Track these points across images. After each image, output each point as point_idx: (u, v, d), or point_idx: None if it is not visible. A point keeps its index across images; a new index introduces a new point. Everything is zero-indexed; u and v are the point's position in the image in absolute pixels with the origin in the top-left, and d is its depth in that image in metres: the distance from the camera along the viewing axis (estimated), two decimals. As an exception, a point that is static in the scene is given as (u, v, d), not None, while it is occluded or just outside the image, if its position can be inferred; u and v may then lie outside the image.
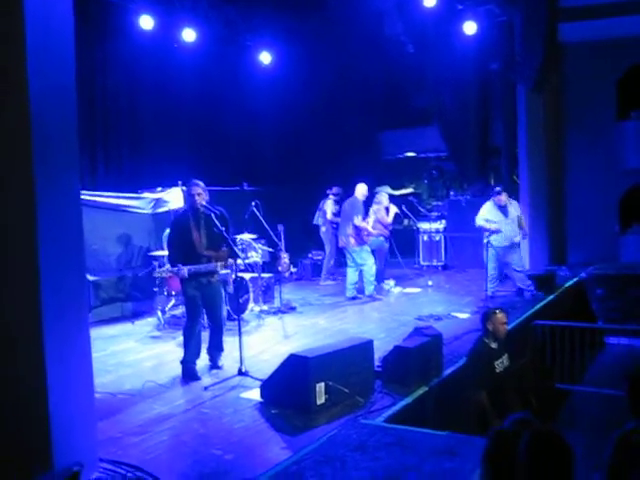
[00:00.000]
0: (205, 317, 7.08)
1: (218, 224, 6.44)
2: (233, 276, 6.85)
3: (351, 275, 10.37)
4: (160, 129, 11.64)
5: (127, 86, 11.24)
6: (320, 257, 12.49)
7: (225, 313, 7.32)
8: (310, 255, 12.76)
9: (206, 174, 11.97)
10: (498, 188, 10.04)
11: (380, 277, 10.89)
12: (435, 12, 11.18)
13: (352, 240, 10.29)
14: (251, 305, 9.17)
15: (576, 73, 11.93)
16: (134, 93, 11.37)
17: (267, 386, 5.76)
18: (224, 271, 6.67)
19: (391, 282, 11.05)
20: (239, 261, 6.67)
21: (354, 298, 10.24)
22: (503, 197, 9.79)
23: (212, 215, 6.46)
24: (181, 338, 6.73)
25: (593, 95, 11.85)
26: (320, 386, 5.45)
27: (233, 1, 11.52)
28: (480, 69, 12.55)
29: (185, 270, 6.18)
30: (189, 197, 6.57)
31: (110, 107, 11.17)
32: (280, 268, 11.76)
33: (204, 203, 6.51)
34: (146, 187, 10.61)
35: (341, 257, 12.33)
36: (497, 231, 9.63)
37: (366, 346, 6.05)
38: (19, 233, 3.93)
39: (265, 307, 9.46)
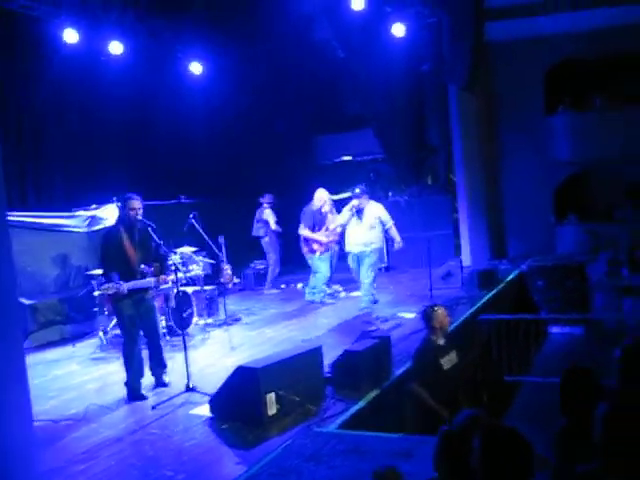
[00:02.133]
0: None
1: (156, 238, 6.30)
2: (174, 290, 6.69)
3: (310, 280, 10.43)
4: (91, 145, 11.35)
5: (55, 102, 10.92)
6: (263, 266, 12.37)
7: (162, 329, 7.14)
8: (252, 265, 12.62)
9: (141, 188, 11.66)
10: (358, 190, 9.37)
11: (327, 283, 10.86)
12: (364, 15, 11.21)
13: (305, 248, 10.32)
14: (195, 319, 8.99)
15: (505, 71, 12.16)
16: (63, 109, 11.06)
17: (216, 400, 5.64)
18: (164, 286, 6.51)
19: (338, 287, 11.03)
20: (179, 275, 6.52)
21: (311, 302, 10.25)
22: (357, 201, 9.35)
23: (149, 229, 6.32)
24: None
25: (522, 91, 12.10)
26: (270, 396, 5.36)
27: (159, 12, 11.32)
28: (411, 71, 12.66)
29: (125, 286, 6.00)
30: (124, 211, 6.37)
31: (39, 125, 10.84)
32: (223, 279, 11.62)
33: (140, 217, 6.35)
34: (80, 205, 10.32)
35: (283, 266, 12.28)
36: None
37: (314, 352, 5.99)
38: None
39: (210, 320, 9.29)
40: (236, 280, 12.19)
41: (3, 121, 10.24)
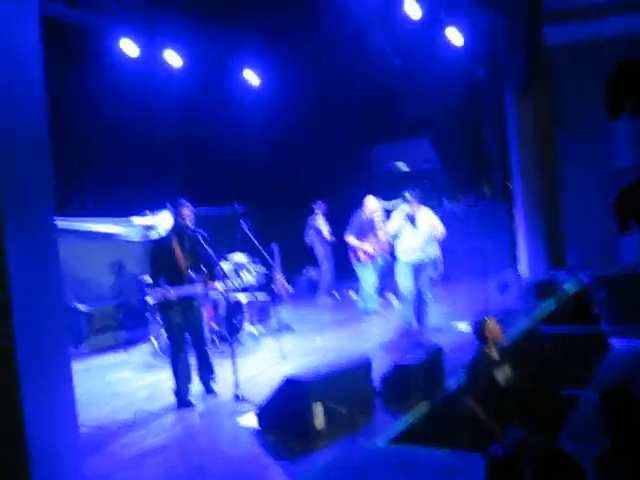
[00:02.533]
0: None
1: (205, 245, 6.31)
2: (223, 298, 6.68)
3: (360, 289, 10.29)
4: (148, 153, 11.51)
5: (112, 111, 11.06)
6: (316, 275, 12.31)
7: (209, 335, 7.14)
8: (306, 273, 12.57)
9: (196, 196, 11.84)
10: (408, 194, 8.82)
11: (381, 292, 10.72)
12: (419, 22, 11.06)
13: (352, 256, 10.22)
14: (246, 326, 8.99)
15: (564, 75, 11.78)
16: (119, 118, 11.21)
17: (264, 411, 5.58)
18: (212, 292, 6.51)
19: (391, 295, 10.87)
20: (224, 284, 6.51)
21: (364, 311, 10.11)
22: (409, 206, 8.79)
23: (199, 237, 6.33)
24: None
25: (583, 96, 11.67)
26: (318, 409, 5.28)
27: (216, 21, 11.41)
28: (467, 77, 12.44)
29: (173, 292, 6.01)
30: (175, 217, 6.40)
31: (96, 134, 11.03)
32: (276, 288, 11.63)
33: (190, 224, 6.37)
34: (135, 212, 10.46)
35: (337, 274, 12.18)
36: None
37: (364, 365, 5.88)
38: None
39: (261, 328, 9.26)
40: (289, 288, 12.18)
41: (61, 130, 10.45)
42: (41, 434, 3.74)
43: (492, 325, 5.77)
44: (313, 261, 12.24)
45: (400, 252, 8.94)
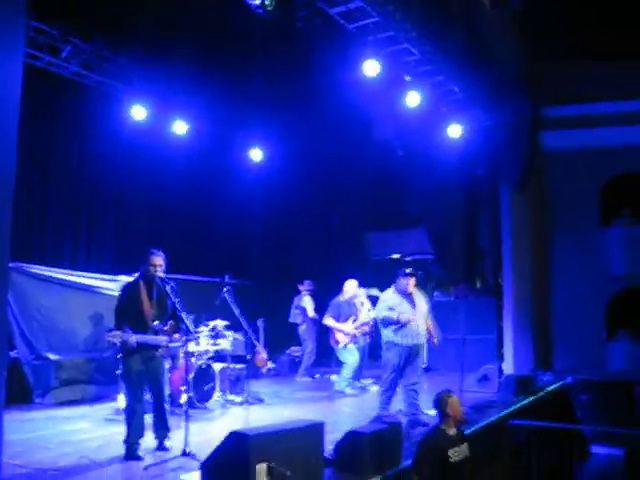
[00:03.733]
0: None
1: (172, 296, 6.30)
2: (181, 351, 6.62)
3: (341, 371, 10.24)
4: (146, 217, 11.72)
5: (115, 173, 11.39)
6: (299, 354, 12.20)
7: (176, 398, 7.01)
8: (288, 351, 12.46)
9: (189, 264, 12.04)
10: (409, 270, 7.98)
11: (357, 375, 10.59)
12: (421, 115, 11.39)
13: (331, 339, 10.24)
14: (217, 394, 8.85)
15: (560, 178, 12.04)
16: (122, 180, 11.51)
17: (207, 466, 5.39)
18: (175, 344, 6.43)
19: (368, 381, 10.72)
20: (188, 339, 6.45)
21: (340, 392, 10.03)
22: (411, 282, 7.88)
23: (167, 287, 6.33)
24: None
25: (578, 200, 11.91)
26: (261, 467, 5.09)
27: (226, 98, 11.82)
28: (466, 172, 12.70)
29: (134, 338, 5.96)
30: (145, 266, 6.42)
31: (97, 193, 11.29)
32: (257, 363, 11.49)
33: (161, 274, 6.39)
34: (126, 272, 10.52)
35: (322, 356, 12.06)
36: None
37: (315, 428, 5.70)
38: None
39: (232, 397, 9.10)
40: (271, 365, 12.03)
41: (63, 186, 10.75)
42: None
43: (453, 402, 5.65)
44: (297, 340, 12.14)
45: (398, 334, 7.75)
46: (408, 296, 7.83)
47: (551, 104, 11.84)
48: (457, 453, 5.46)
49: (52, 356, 8.84)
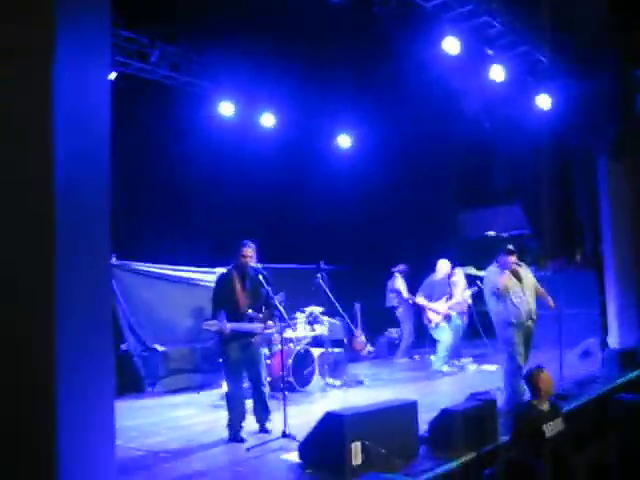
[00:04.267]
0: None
1: (266, 285, 6.52)
2: (277, 337, 6.83)
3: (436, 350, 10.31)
4: (240, 210, 11.99)
5: (208, 171, 11.73)
6: (397, 335, 12.28)
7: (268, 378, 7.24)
8: (386, 333, 12.56)
9: (284, 253, 12.33)
10: (510, 246, 7.86)
11: (455, 354, 10.58)
12: (508, 87, 11.13)
13: (425, 317, 10.29)
14: (316, 377, 9.07)
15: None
16: (214, 176, 11.85)
17: (305, 446, 5.62)
18: (269, 330, 6.67)
19: (467, 360, 10.69)
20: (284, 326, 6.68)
21: (438, 371, 10.11)
22: (513, 259, 7.72)
23: (259, 276, 6.56)
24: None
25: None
26: (356, 446, 5.25)
27: (311, 87, 11.96)
28: (558, 143, 12.29)
29: (229, 326, 6.23)
30: (237, 257, 6.68)
31: (191, 190, 11.70)
32: (356, 346, 11.70)
33: (252, 264, 6.63)
34: (221, 264, 10.90)
35: (419, 337, 12.08)
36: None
37: (409, 407, 5.82)
38: (35, 304, 3.72)
39: (332, 380, 9.31)
40: (370, 348, 12.20)
41: (159, 186, 11.23)
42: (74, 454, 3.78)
43: (545, 377, 5.60)
44: (395, 322, 12.22)
45: (510, 313, 7.58)
46: (512, 272, 7.72)
47: (645, 66, 11.29)
48: (551, 428, 5.42)
49: (159, 347, 9.33)
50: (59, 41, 3.91)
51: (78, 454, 3.73)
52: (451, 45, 9.10)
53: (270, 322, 6.63)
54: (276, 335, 7.37)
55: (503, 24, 9.39)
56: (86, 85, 4.19)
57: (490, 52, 9.87)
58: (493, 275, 7.77)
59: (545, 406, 5.55)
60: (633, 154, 11.31)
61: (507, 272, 7.70)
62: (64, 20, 3.97)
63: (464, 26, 9.26)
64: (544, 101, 11.19)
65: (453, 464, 5.37)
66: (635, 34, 11.32)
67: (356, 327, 11.72)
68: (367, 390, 9.04)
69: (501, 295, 7.57)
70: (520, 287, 7.68)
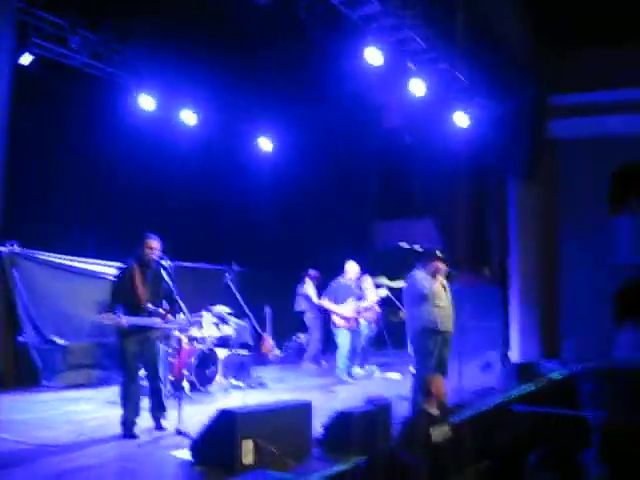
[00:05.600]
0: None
1: (167, 279, 6.43)
2: (177, 333, 6.75)
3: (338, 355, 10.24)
4: (155, 206, 11.78)
5: (124, 162, 11.50)
6: (305, 340, 12.32)
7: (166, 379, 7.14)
8: (295, 338, 12.59)
9: (198, 252, 12.21)
10: (439, 252, 7.83)
11: (362, 360, 10.70)
12: (429, 102, 11.36)
13: (331, 321, 10.31)
14: (219, 378, 9.00)
15: (569, 169, 11.92)
16: (131, 169, 11.61)
17: (197, 443, 5.55)
18: (169, 325, 6.56)
19: (372, 367, 10.83)
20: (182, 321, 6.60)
21: (340, 379, 10.03)
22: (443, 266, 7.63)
23: (162, 270, 6.46)
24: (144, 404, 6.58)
25: (587, 189, 11.80)
26: (247, 443, 5.23)
27: (234, 87, 11.91)
28: (473, 161, 12.62)
29: (125, 319, 6.10)
30: (140, 248, 6.55)
31: (105, 182, 11.44)
32: (264, 349, 11.67)
33: (155, 257, 6.51)
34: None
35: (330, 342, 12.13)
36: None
37: (303, 408, 5.84)
38: None
39: (235, 382, 9.24)
40: (278, 352, 12.20)
41: (73, 176, 10.95)
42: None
43: (436, 382, 5.73)
44: (304, 327, 12.25)
45: (436, 321, 7.55)
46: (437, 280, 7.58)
47: (559, 91, 11.75)
48: (438, 433, 5.53)
49: (59, 340, 9.05)
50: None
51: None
52: (373, 56, 9.24)
53: (170, 317, 6.52)
54: (177, 332, 7.25)
55: (425, 39, 9.60)
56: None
57: (412, 66, 10.09)
58: (420, 279, 7.59)
59: (435, 411, 5.66)
60: (541, 176, 11.76)
61: (439, 277, 7.65)
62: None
63: (388, 39, 9.43)
64: (461, 119, 11.50)
65: (343, 466, 5.40)
66: (553, 62, 11.81)
67: (265, 330, 11.69)
68: (269, 393, 9.00)
69: (427, 300, 7.44)
70: (445, 295, 7.70)
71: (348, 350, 10.01)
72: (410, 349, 11.37)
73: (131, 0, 9.94)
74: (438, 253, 7.81)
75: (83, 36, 9.79)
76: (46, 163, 10.60)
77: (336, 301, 10.09)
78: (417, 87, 10.35)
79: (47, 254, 9.68)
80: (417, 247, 14.35)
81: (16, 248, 9.15)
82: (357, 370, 10.52)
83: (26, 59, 9.18)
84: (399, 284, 13.33)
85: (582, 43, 11.37)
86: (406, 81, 10.32)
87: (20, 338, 9.06)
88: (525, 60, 11.47)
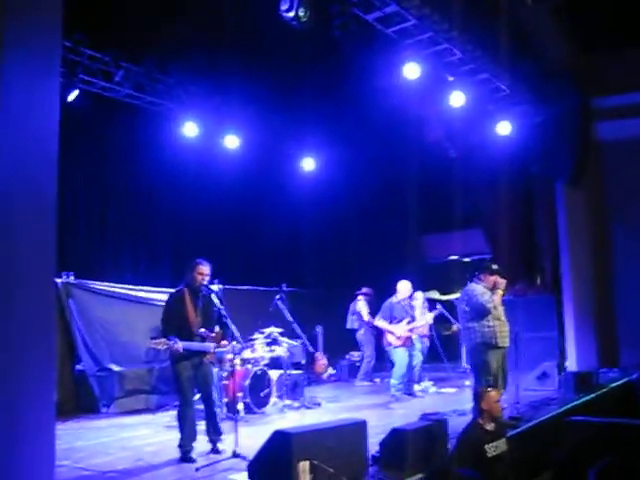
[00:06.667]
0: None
1: (218, 304, 6.50)
2: (230, 356, 6.80)
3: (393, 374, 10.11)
4: (202, 231, 11.95)
5: (170, 190, 11.73)
6: (358, 359, 12.28)
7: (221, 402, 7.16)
8: (348, 356, 12.56)
9: (247, 275, 12.30)
10: (495, 266, 7.85)
11: (417, 377, 10.61)
12: (471, 115, 11.32)
13: (384, 339, 10.23)
14: (274, 399, 9.02)
15: (617, 169, 11.74)
16: (177, 196, 11.84)
17: (254, 465, 5.55)
18: (221, 349, 6.62)
19: (428, 383, 10.73)
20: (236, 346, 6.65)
21: (394, 397, 9.88)
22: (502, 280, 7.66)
23: (212, 295, 6.54)
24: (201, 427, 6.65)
25: (635, 191, 11.58)
26: (304, 465, 5.21)
27: (275, 110, 12.04)
28: (519, 169, 12.51)
29: (180, 345, 6.18)
30: (191, 274, 6.63)
31: (154, 210, 11.69)
32: (317, 369, 11.68)
33: (205, 283, 6.60)
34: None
35: (381, 360, 12.06)
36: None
37: (358, 427, 5.79)
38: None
39: (289, 402, 9.26)
40: (331, 371, 12.19)
41: (122, 205, 11.19)
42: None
43: (489, 397, 5.64)
44: (357, 345, 12.22)
45: (497, 336, 7.61)
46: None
47: (602, 94, 11.58)
48: (494, 448, 5.45)
49: (115, 367, 9.21)
50: (6, 59, 3.94)
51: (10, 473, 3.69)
52: (411, 70, 9.26)
53: (224, 342, 6.59)
54: (231, 355, 7.31)
55: (463, 52, 9.58)
56: (33, 105, 4.20)
57: (451, 78, 10.07)
58: (482, 293, 7.59)
59: (490, 426, 5.58)
60: (592, 182, 11.56)
61: (498, 291, 7.66)
62: (12, 38, 4.00)
63: (426, 52, 9.44)
64: (504, 128, 11.42)
65: (400, 484, 5.36)
66: (594, 62, 11.64)
67: (317, 350, 11.71)
68: (324, 412, 8.99)
69: (489, 314, 7.48)
70: (502, 309, 7.70)
71: (404, 368, 9.92)
72: (466, 363, 11.29)
73: (170, 31, 10.12)
74: (495, 267, 7.80)
75: (126, 69, 10.03)
76: (95, 195, 10.89)
77: (390, 321, 10.01)
78: (457, 99, 10.34)
79: (100, 283, 9.90)
80: (467, 259, 14.21)
81: (71, 279, 9.37)
82: (414, 387, 10.42)
83: (72, 95, 9.42)
84: (450, 297, 13.28)
85: (624, 44, 11.19)
86: (445, 93, 10.33)
87: (78, 367, 9.26)
88: (566, 65, 11.34)
